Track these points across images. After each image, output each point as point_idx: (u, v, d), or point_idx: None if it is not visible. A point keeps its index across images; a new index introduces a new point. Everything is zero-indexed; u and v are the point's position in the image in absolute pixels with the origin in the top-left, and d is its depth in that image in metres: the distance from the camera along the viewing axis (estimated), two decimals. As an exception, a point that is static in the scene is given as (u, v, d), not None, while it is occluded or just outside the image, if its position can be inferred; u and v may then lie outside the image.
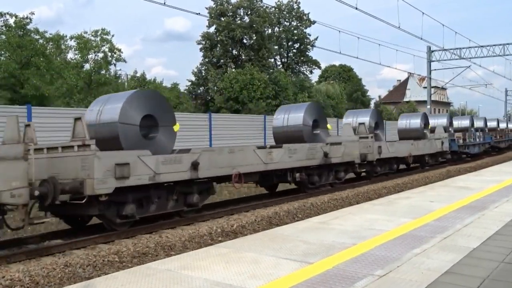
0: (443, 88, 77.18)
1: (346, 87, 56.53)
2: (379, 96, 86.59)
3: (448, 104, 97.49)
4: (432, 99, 45.24)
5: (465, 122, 30.33)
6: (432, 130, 23.84)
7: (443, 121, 26.33)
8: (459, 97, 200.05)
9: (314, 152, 13.43)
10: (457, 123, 29.71)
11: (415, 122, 22.92)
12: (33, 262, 7.13)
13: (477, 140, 28.79)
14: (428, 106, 40.84)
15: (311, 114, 14.97)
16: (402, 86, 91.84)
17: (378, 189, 14.91)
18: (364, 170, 17.06)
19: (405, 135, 22.40)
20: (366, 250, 5.35)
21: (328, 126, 15.64)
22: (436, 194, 9.94)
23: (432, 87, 45.41)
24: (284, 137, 14.69)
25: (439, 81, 58.81)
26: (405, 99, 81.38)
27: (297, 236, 6.10)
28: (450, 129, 25.90)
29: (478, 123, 32.85)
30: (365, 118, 18.38)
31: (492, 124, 37.37)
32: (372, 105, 66.48)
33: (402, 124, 23.39)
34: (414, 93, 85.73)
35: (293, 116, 14.91)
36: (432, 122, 25.61)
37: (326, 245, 5.62)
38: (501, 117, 72.04)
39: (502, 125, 41.00)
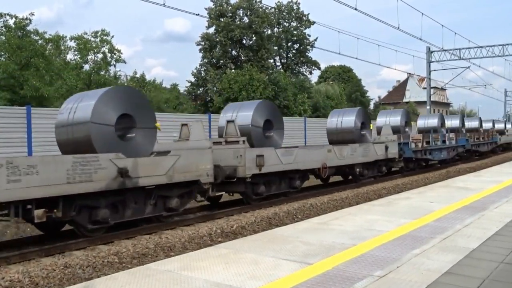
0: (443, 89, 77.23)
1: (346, 87, 56.59)
2: (379, 97, 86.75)
3: (447, 104, 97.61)
4: (432, 99, 45.29)
5: (433, 121, 25.27)
6: (379, 131, 19.60)
7: (396, 119, 21.55)
8: (458, 98, 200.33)
9: (91, 170, 7.94)
10: (423, 122, 25.61)
11: (348, 120, 17.32)
12: (33, 263, 7.13)
13: (448, 143, 23.56)
14: (428, 107, 40.92)
15: (109, 104, 8.89)
16: (401, 87, 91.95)
17: (378, 189, 14.93)
18: (229, 191, 12.21)
19: (337, 137, 17.27)
20: (365, 250, 5.35)
21: (157, 125, 9.87)
22: (436, 195, 9.94)
23: (432, 87, 45.46)
24: (67, 144, 9.03)
25: (439, 82, 58.85)
26: (405, 100, 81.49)
27: (297, 237, 6.10)
28: (406, 129, 21.38)
29: (452, 122, 28.70)
30: (246, 112, 12.93)
31: (472, 123, 32.96)
32: (371, 105, 66.48)
33: (332, 123, 17.78)
34: (414, 93, 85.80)
35: (82, 106, 8.91)
36: (382, 120, 21.47)
37: (326, 245, 5.62)
38: (501, 117, 72.08)
39: (487, 125, 36.26)
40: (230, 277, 4.46)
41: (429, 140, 21.60)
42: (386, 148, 17.42)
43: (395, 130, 20.09)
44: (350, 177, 16.80)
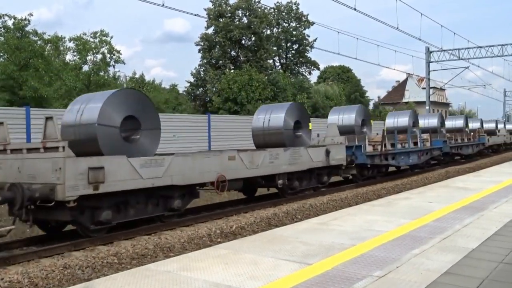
0: (442, 89, 77.34)
1: (345, 88, 56.63)
2: (378, 97, 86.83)
3: (447, 104, 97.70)
4: (431, 99, 45.35)
5: (403, 120, 21.39)
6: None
7: (350, 117, 17.92)
8: (458, 98, 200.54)
9: None
10: (392, 121, 21.71)
11: (277, 117, 13.59)
12: (32, 263, 7.12)
13: (420, 145, 20.11)
14: (427, 107, 40.99)
15: None
16: (401, 87, 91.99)
17: (378, 190, 14.91)
18: (50, 221, 8.66)
19: (263, 140, 13.67)
20: (365, 251, 5.35)
21: None
22: (435, 195, 9.94)
23: (431, 87, 45.50)
24: None
25: (438, 82, 58.96)
26: (404, 100, 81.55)
27: (296, 237, 6.10)
28: (364, 129, 18.16)
29: (429, 122, 24.86)
30: (95, 104, 8.81)
31: (455, 123, 29.11)
32: (370, 106, 66.44)
33: (258, 122, 13.97)
34: (413, 93, 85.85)
35: None
36: (333, 118, 18.02)
37: (326, 246, 5.62)
38: (500, 118, 72.15)
39: (474, 125, 32.34)
40: (229, 277, 4.46)
41: (393, 142, 18.13)
42: (328, 152, 13.84)
43: (349, 130, 17.11)
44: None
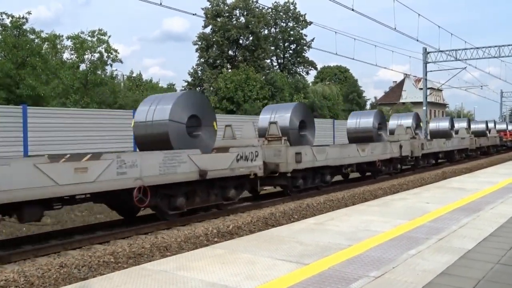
0: (439, 90, 77.47)
1: (342, 88, 56.67)
2: (375, 97, 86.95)
3: (444, 105, 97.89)
4: (428, 100, 45.38)
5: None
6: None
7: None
8: (455, 99, 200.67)
9: None
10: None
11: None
12: (28, 262, 7.11)
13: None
14: (424, 107, 41.00)
15: None
16: (398, 87, 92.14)
17: (374, 190, 14.92)
18: None
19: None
20: (361, 251, 5.36)
21: None
22: (431, 195, 9.96)
23: (428, 88, 45.54)
24: None
25: (435, 83, 58.99)
26: (401, 100, 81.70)
27: (293, 237, 6.10)
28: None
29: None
30: None
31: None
32: (368, 106, 66.48)
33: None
34: (410, 94, 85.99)
35: None
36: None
37: (322, 246, 5.63)
38: (497, 119, 72.30)
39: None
40: (226, 277, 4.46)
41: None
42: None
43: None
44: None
